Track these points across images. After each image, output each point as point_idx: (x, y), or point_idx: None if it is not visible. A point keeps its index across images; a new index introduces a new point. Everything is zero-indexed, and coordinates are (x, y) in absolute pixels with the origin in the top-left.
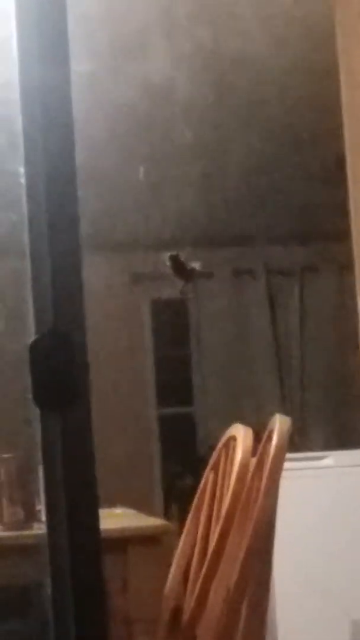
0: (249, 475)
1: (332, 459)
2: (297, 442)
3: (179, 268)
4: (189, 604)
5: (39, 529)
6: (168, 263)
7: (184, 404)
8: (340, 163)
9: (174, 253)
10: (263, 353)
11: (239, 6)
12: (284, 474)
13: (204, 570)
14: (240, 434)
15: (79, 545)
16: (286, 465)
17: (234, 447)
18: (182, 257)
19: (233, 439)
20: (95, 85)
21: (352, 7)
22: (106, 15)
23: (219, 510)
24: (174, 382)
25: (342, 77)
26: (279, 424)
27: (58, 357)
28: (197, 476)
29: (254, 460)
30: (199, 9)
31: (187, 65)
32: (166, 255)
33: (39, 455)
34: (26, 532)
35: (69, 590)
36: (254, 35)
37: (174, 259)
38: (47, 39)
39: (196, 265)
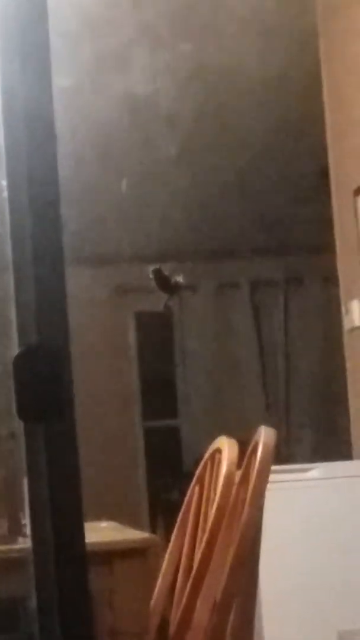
0: (235, 487)
1: (318, 470)
2: (282, 453)
3: (163, 282)
4: (176, 616)
5: (24, 543)
6: (151, 277)
7: (169, 417)
8: (324, 175)
9: (157, 267)
10: (248, 365)
11: (221, 20)
12: (269, 485)
13: (190, 582)
14: (226, 447)
15: (65, 559)
16: (272, 477)
17: (219, 460)
18: (166, 270)
19: (218, 451)
20: (78, 99)
21: (336, 21)
22: (89, 29)
23: (205, 522)
24: (159, 395)
25: (325, 90)
26: (264, 436)
27: (42, 370)
28: (183, 489)
29: (239, 473)
30: (182, 23)
31: (170, 79)
32: (150, 269)
33: (23, 468)
34: (11, 546)
35: (55, 604)
36: (237, 48)
37: (157, 273)
38: (29, 53)
39: (180, 278)
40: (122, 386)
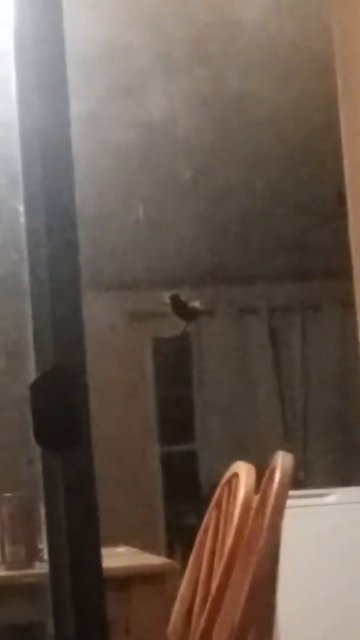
0: (252, 513)
1: (335, 496)
2: (300, 479)
3: (180, 308)
4: None
5: (41, 568)
6: (168, 303)
7: (187, 442)
8: (341, 200)
9: (175, 293)
10: (265, 390)
11: (238, 45)
12: (287, 511)
13: (207, 608)
14: (243, 472)
15: (82, 585)
16: (289, 502)
17: (237, 485)
18: (183, 296)
19: (235, 476)
20: (95, 125)
21: (354, 44)
22: (105, 55)
23: (222, 548)
24: (177, 420)
25: (343, 114)
26: (282, 461)
27: (59, 396)
28: (200, 514)
29: (256, 498)
30: (198, 48)
31: (187, 105)
32: (167, 294)
33: (41, 494)
34: (28, 572)
35: (72, 630)
36: (253, 74)
37: (175, 299)
38: (46, 79)
39: (197, 303)
40: (139, 411)
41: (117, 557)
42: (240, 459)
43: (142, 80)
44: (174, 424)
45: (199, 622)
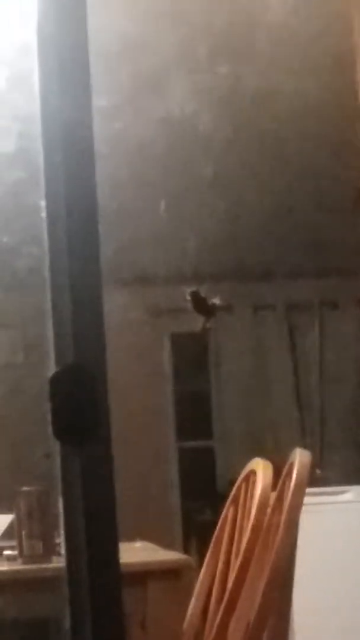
0: (269, 509)
1: (352, 493)
2: (317, 476)
3: (200, 304)
4: (209, 638)
5: (58, 562)
6: (188, 299)
7: (204, 438)
8: (359, 198)
9: (195, 289)
10: (283, 387)
11: (259, 42)
12: (304, 508)
13: (223, 604)
14: (260, 468)
15: (99, 579)
16: (306, 499)
17: (254, 482)
18: (202, 292)
19: (253, 473)
20: (116, 120)
21: None
22: (127, 50)
23: (239, 544)
24: (194, 415)
25: None
26: (299, 458)
27: (78, 390)
28: (217, 510)
29: (274, 495)
30: (220, 44)
31: (208, 101)
32: (186, 290)
33: (58, 488)
34: (45, 566)
35: (89, 625)
36: (274, 70)
37: (195, 295)
38: (69, 74)
39: (216, 300)
40: (157, 406)
41: (134, 552)
42: (257, 455)
43: (164, 75)
44: (192, 419)
45: (215, 618)
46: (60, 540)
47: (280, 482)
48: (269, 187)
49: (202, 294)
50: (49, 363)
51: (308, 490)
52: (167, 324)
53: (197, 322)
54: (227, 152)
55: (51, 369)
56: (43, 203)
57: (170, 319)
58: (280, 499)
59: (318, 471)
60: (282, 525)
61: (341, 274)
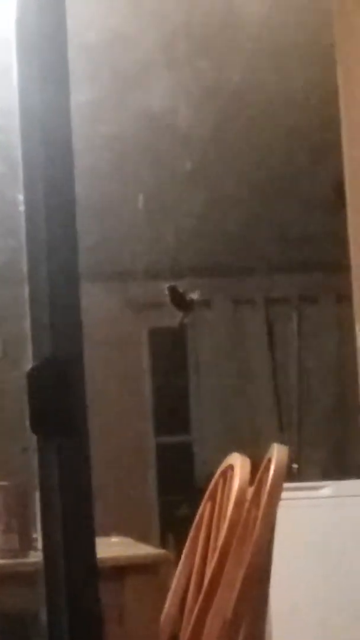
0: (246, 504)
1: (330, 488)
2: (294, 471)
3: (178, 299)
4: (186, 633)
5: (35, 557)
6: (166, 293)
7: (182, 433)
8: (339, 193)
9: (173, 284)
10: (261, 382)
11: (239, 37)
12: (281, 503)
13: (200, 599)
14: (238, 463)
15: (76, 574)
16: (284, 494)
17: (232, 477)
18: (181, 287)
19: (231, 468)
20: (95, 115)
21: (354, 37)
22: (107, 45)
23: (216, 539)
24: (172, 410)
25: (342, 108)
26: (277, 453)
27: (56, 385)
28: (195, 505)
29: (251, 490)
30: (200, 39)
31: (188, 96)
32: (165, 285)
33: (35, 483)
34: (22, 560)
35: (65, 619)
36: (254, 67)
37: (173, 290)
38: (48, 68)
39: (195, 295)
40: (135, 401)
41: (111, 547)
42: (235, 450)
43: (144, 70)
44: (170, 414)
45: (193, 613)
46: (38, 534)
47: (258, 477)
48: (248, 182)
49: (181, 289)
50: (26, 357)
51: (286, 485)
52: (145, 319)
53: (176, 317)
54: (207, 147)
55: (29, 363)
56: (21, 197)
57: (148, 314)
58: (257, 494)
59: (295, 466)
60: (259, 520)
61: (320, 269)
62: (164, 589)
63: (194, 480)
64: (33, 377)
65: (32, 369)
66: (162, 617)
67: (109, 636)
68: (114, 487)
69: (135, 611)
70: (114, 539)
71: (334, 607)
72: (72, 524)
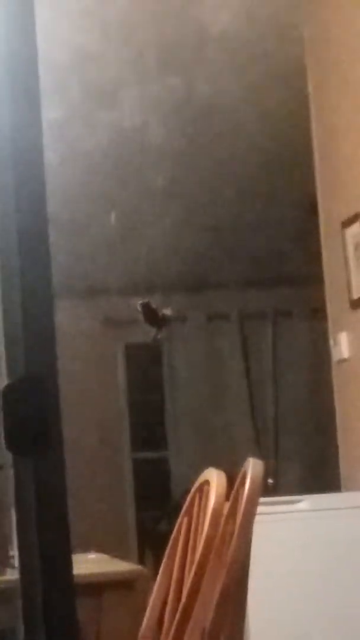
0: (223, 519)
1: (306, 502)
2: (269, 486)
3: (151, 315)
4: None
5: (12, 574)
6: (139, 310)
7: (158, 449)
8: (312, 208)
9: (145, 301)
10: (237, 397)
11: (210, 53)
12: (258, 517)
13: (178, 614)
14: (214, 478)
15: (52, 591)
16: (260, 509)
17: (207, 492)
18: (155, 302)
19: (206, 483)
20: (66, 132)
21: (324, 55)
22: (77, 62)
23: (193, 554)
24: (148, 426)
25: (314, 123)
26: (252, 468)
27: (30, 402)
28: (172, 521)
29: (227, 505)
30: (170, 56)
31: (159, 112)
32: (139, 301)
33: (11, 500)
34: None
35: (42, 636)
36: (224, 81)
37: (145, 307)
38: (18, 86)
39: (167, 311)
40: (110, 417)
41: (88, 564)
42: (211, 465)
43: (114, 87)
44: (146, 430)
45: (170, 628)
46: (14, 552)
47: (234, 491)
48: (221, 197)
49: (154, 305)
50: (1, 375)
51: (262, 499)
52: (120, 335)
53: (150, 333)
54: (178, 164)
55: (3, 381)
56: None
57: (123, 330)
58: (233, 508)
59: (270, 481)
60: (235, 535)
61: (295, 284)
62: (141, 605)
63: (171, 496)
64: (8, 395)
65: (7, 387)
66: (140, 632)
67: None
68: (91, 503)
69: (112, 627)
70: (92, 556)
71: (313, 621)
72: (48, 541)
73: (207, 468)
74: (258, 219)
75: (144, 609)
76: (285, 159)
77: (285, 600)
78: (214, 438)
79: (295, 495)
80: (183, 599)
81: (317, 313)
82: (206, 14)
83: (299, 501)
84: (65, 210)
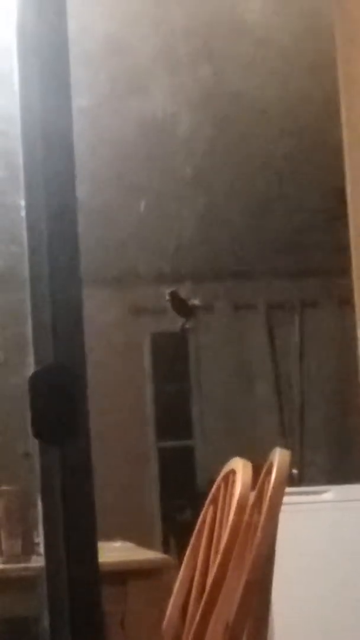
0: (248, 509)
1: (332, 493)
2: (293, 476)
3: (179, 304)
4: (188, 638)
5: (38, 561)
6: (168, 299)
7: (184, 437)
8: (340, 197)
9: (174, 289)
10: (263, 387)
11: (239, 43)
12: (283, 507)
13: (202, 604)
14: (240, 468)
15: (78, 579)
16: (286, 499)
17: (233, 481)
18: (182, 292)
19: (232, 472)
20: (96, 120)
21: (356, 40)
22: (108, 51)
23: (218, 544)
24: (174, 415)
25: (343, 112)
26: (279, 458)
27: (58, 390)
28: (197, 510)
29: (253, 494)
30: (200, 46)
31: (188, 101)
32: (166, 290)
33: (37, 487)
34: (24, 565)
35: (68, 624)
36: (255, 72)
37: (174, 296)
38: (49, 74)
39: (196, 301)
40: (136, 406)
41: (113, 552)
42: (237, 455)
43: (144, 76)
44: (172, 419)
45: (194, 617)
46: (40, 539)
47: (260, 481)
48: (249, 187)
49: (182, 294)
50: (28, 363)
51: (288, 490)
52: (147, 324)
53: (177, 322)
54: (208, 152)
55: (31, 368)
56: (23, 202)
57: (150, 319)
58: (259, 498)
59: (294, 471)
60: (261, 525)
61: (321, 274)
62: (166, 594)
63: (196, 485)
64: (35, 382)
65: (34, 374)
66: (164, 621)
67: None
68: (117, 491)
69: (137, 616)
70: (117, 544)
71: (337, 612)
72: (74, 529)
73: (232, 457)
74: (286, 209)
75: (169, 598)
76: (314, 148)
77: (310, 590)
78: (239, 428)
79: (320, 485)
80: (207, 589)
81: (345, 304)
82: (237, 3)
83: (324, 492)
84: (95, 198)
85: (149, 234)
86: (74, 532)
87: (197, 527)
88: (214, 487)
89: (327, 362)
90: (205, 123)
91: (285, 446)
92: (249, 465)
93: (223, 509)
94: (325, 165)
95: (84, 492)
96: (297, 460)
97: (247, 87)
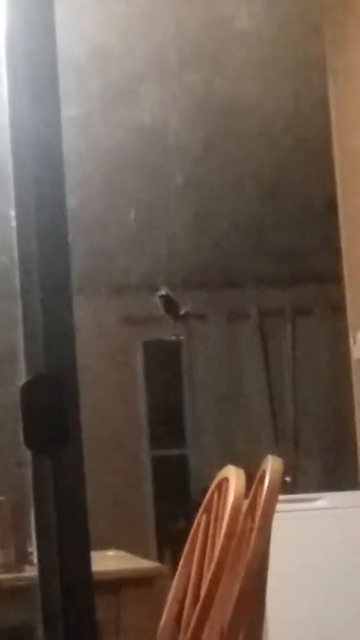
0: (242, 517)
1: (325, 500)
2: (287, 484)
3: (170, 306)
4: None
5: (31, 571)
6: (159, 302)
7: (177, 446)
8: (331, 205)
9: (164, 292)
10: (256, 394)
11: (229, 51)
12: (277, 515)
13: (196, 612)
14: (233, 476)
15: (71, 588)
16: (279, 506)
17: (227, 489)
18: (173, 296)
19: (225, 480)
20: (86, 129)
21: (345, 52)
22: (98, 59)
23: (212, 552)
24: (167, 423)
25: (333, 119)
26: (272, 465)
27: (49, 399)
28: (190, 518)
29: (246, 502)
30: (190, 54)
31: (178, 110)
32: (158, 298)
33: (30, 497)
34: (18, 575)
35: (61, 633)
36: (245, 79)
37: (165, 298)
38: (38, 83)
39: (188, 308)
40: (130, 415)
41: (106, 561)
42: (230, 462)
43: (134, 84)
44: (165, 427)
45: (189, 625)
46: (33, 549)
47: (253, 489)
48: (240, 194)
49: (172, 298)
50: (20, 372)
51: (281, 497)
52: (140, 333)
53: (169, 330)
54: (199, 160)
55: (22, 378)
56: (13, 212)
57: (143, 328)
58: (252, 506)
59: (287, 479)
60: (254, 532)
61: (314, 282)
62: (159, 602)
63: (189, 493)
64: (27, 392)
65: (26, 384)
66: (159, 629)
67: None
68: (110, 500)
69: (131, 624)
70: (111, 553)
71: (330, 618)
72: (68, 538)
73: (226, 465)
74: (278, 217)
75: (163, 606)
76: (305, 156)
77: (304, 598)
78: (232, 436)
79: (313, 492)
80: (202, 597)
81: (337, 311)
82: (227, 11)
83: (317, 499)
84: (85, 207)
85: (141, 243)
86: (67, 541)
87: (190, 535)
88: (208, 495)
89: (320, 368)
90: (195, 131)
91: (278, 454)
92: (242, 473)
93: (216, 517)
94: (316, 174)
95: (76, 501)
96: (290, 467)
97: (237, 95)
